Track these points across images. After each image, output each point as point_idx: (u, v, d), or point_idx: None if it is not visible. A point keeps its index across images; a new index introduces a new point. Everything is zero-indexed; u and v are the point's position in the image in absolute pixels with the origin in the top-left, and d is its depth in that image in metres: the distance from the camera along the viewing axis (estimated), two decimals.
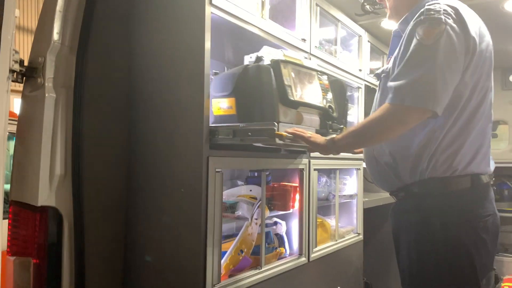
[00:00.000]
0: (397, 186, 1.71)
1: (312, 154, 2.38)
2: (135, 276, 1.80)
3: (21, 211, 1.59)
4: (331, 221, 2.74)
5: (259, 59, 1.87)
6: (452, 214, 1.58)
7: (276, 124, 1.65)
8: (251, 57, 1.90)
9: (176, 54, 1.78)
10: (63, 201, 1.62)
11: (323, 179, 2.74)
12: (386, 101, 1.55)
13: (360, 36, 3.05)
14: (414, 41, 1.54)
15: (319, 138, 1.73)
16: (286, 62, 1.84)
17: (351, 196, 3.02)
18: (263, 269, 2.00)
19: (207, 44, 1.69)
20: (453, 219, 1.58)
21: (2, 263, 1.59)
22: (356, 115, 3.10)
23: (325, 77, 2.04)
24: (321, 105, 1.95)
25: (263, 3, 2.03)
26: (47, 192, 1.58)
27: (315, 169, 2.41)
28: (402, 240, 1.71)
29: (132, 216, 1.83)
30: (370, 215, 3.15)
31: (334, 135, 1.74)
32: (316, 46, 2.44)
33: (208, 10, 1.68)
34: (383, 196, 3.20)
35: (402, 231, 1.71)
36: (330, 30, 2.81)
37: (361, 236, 3.02)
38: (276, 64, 1.79)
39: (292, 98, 1.79)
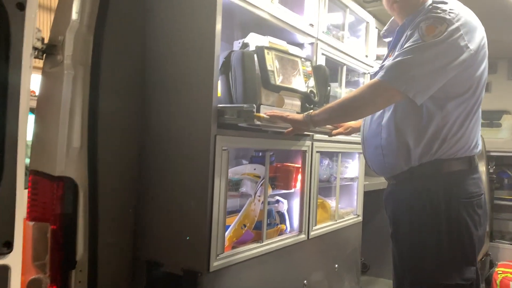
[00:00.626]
0: (401, 169, 1.80)
1: (315, 137, 2.47)
2: (145, 242, 1.92)
3: (40, 180, 1.70)
4: (332, 202, 2.84)
5: (245, 45, 2.00)
6: (454, 193, 1.69)
7: (254, 106, 1.76)
8: (239, 43, 2.01)
9: (188, 36, 1.86)
10: (79, 171, 1.73)
11: (326, 162, 2.83)
12: (377, 77, 1.70)
13: (368, 22, 3.10)
14: (416, 36, 1.64)
15: (297, 116, 1.87)
16: (270, 48, 1.96)
17: (352, 179, 3.12)
18: (264, 243, 2.11)
19: (218, 26, 1.77)
20: (455, 197, 1.69)
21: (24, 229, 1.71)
22: None
23: (308, 63, 2.17)
24: (303, 90, 2.07)
25: None
26: (64, 163, 1.69)
27: (317, 152, 2.51)
28: (402, 219, 1.80)
29: (143, 188, 1.94)
30: (371, 198, 3.25)
31: (310, 111, 1.86)
32: (323, 31, 2.51)
33: None
34: (384, 181, 3.29)
35: (402, 210, 1.80)
36: (339, 15, 2.86)
37: (360, 218, 3.13)
38: (260, 50, 1.91)
39: (274, 83, 1.91)
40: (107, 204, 1.78)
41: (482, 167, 4.13)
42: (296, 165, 2.40)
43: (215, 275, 1.81)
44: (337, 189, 2.82)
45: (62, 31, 1.69)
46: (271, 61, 1.93)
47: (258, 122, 1.78)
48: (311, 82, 2.14)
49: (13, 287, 1.27)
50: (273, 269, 2.20)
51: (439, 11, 1.63)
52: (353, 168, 3.14)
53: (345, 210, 3.04)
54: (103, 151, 1.75)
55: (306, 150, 2.41)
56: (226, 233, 1.98)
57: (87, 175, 1.73)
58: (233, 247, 2.00)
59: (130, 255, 1.93)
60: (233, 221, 2.10)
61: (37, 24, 1.61)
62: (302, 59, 2.15)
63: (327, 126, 2.13)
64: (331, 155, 2.87)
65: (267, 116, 1.81)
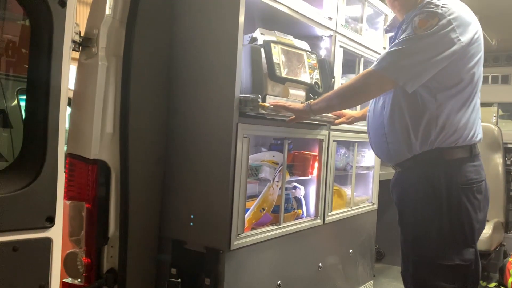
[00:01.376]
0: (406, 157, 1.90)
1: (332, 127, 2.57)
2: (170, 222, 2.06)
3: (76, 162, 1.85)
4: (348, 190, 2.93)
5: (253, 39, 2.13)
6: (455, 180, 1.80)
7: (260, 96, 1.90)
8: (248, 37, 2.15)
9: (213, 29, 1.97)
10: (111, 155, 1.87)
11: (342, 151, 2.92)
12: (372, 66, 1.82)
13: (386, 14, 3.15)
14: (409, 29, 1.76)
15: (298, 105, 2.00)
16: (276, 42, 2.10)
17: (368, 168, 3.20)
18: (281, 226, 2.24)
19: (241, 19, 1.89)
20: (456, 184, 1.79)
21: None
22: None
23: (313, 56, 2.31)
24: (308, 81, 2.21)
25: None
26: (98, 147, 1.84)
27: (334, 141, 2.60)
28: (407, 205, 1.91)
29: (170, 172, 2.08)
30: (387, 187, 3.32)
31: (311, 100, 2.00)
32: (342, 24, 2.59)
33: None
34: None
35: (407, 196, 1.91)
36: (357, 8, 2.93)
37: (375, 206, 3.22)
38: (267, 44, 2.04)
39: (279, 75, 2.05)
40: (136, 186, 1.92)
41: (499, 159, 4.16)
42: (313, 153, 2.50)
43: (235, 253, 1.94)
44: (353, 178, 2.91)
45: (97, 25, 1.83)
46: (277, 55, 2.07)
47: (262, 111, 1.91)
48: (316, 74, 2.28)
49: (54, 257, 1.42)
50: (290, 251, 2.32)
51: (432, 6, 1.75)
52: (369, 157, 3.22)
53: (361, 198, 3.13)
54: (134, 136, 1.89)
55: (323, 139, 2.51)
56: (246, 215, 2.10)
57: (119, 158, 1.87)
58: (252, 229, 2.13)
59: (157, 233, 2.07)
60: (252, 205, 2.22)
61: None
62: (308, 53, 2.29)
63: (329, 115, 2.26)
64: (347, 144, 2.96)
65: (271, 106, 1.94)
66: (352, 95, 1.89)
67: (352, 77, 2.91)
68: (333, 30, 2.52)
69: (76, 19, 1.65)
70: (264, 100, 1.96)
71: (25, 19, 2.43)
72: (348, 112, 2.41)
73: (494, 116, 5.11)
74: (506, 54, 4.44)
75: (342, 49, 2.61)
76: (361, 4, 2.89)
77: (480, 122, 1.91)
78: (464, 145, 1.82)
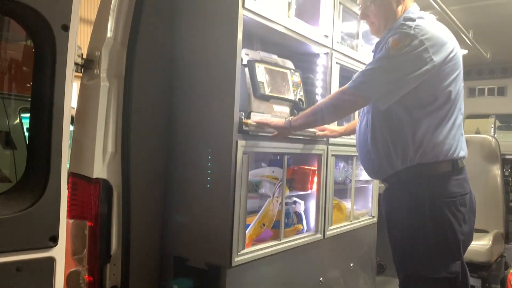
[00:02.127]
0: (389, 173, 1.97)
1: (330, 141, 2.60)
2: (172, 239, 2.09)
3: (78, 181, 1.88)
4: (347, 204, 2.96)
5: None
6: (438, 193, 1.85)
7: (243, 113, 1.97)
8: None
9: (212, 47, 2.02)
10: (113, 174, 1.90)
11: (341, 165, 2.95)
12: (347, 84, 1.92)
13: None
14: (383, 49, 1.84)
15: (280, 122, 2.07)
16: (260, 62, 2.18)
17: (367, 181, 3.22)
18: (282, 241, 2.25)
19: (239, 36, 1.93)
20: (439, 197, 1.85)
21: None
22: None
23: (297, 74, 2.39)
24: (292, 98, 2.29)
25: (289, 4, 2.24)
26: (100, 166, 1.87)
27: (332, 155, 2.64)
28: (394, 220, 1.97)
29: (170, 189, 2.10)
30: None
31: (291, 117, 2.07)
32: (337, 42, 2.64)
33: (241, 12, 1.91)
34: None
35: (394, 212, 1.97)
36: (353, 24, 2.99)
37: (375, 219, 3.23)
38: (251, 64, 2.11)
39: (263, 92, 2.12)
40: (138, 204, 1.94)
41: (497, 170, 4.19)
42: (312, 168, 2.53)
43: (236, 269, 1.96)
44: (352, 191, 2.94)
45: (99, 47, 1.87)
46: (262, 73, 2.15)
47: (246, 128, 1.97)
48: (300, 91, 2.37)
49: (57, 276, 1.43)
50: (291, 266, 2.33)
51: (405, 27, 1.83)
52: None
53: (360, 211, 3.15)
54: (135, 155, 1.92)
55: (321, 154, 2.54)
56: (247, 232, 2.12)
57: (120, 177, 1.90)
58: (253, 245, 2.15)
59: (159, 251, 2.09)
60: (253, 220, 2.24)
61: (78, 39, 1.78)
62: (291, 71, 2.38)
63: (313, 129, 2.34)
64: (346, 159, 2.98)
65: (254, 123, 2.00)
66: (328, 112, 1.97)
67: None
68: (329, 48, 2.57)
69: (78, 39, 1.69)
70: (248, 117, 2.02)
71: (28, 39, 2.49)
72: (330, 127, 2.48)
73: (492, 127, 5.16)
74: (501, 67, 4.50)
75: (338, 66, 2.65)
76: (356, 21, 2.95)
77: (462, 139, 1.96)
78: (446, 160, 1.87)
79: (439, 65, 1.80)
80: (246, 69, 2.13)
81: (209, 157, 2.00)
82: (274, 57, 2.38)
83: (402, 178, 1.93)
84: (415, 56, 1.78)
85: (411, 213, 1.89)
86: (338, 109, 1.95)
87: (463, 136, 1.98)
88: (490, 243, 3.64)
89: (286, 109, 2.32)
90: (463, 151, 1.95)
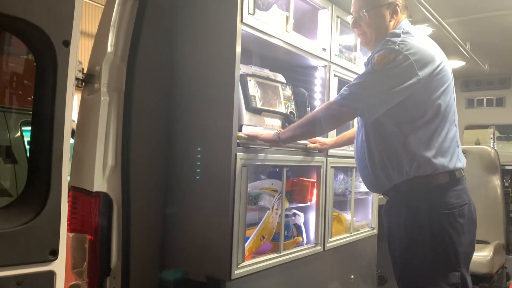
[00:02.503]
0: (388, 187, 1.99)
1: (329, 153, 2.62)
2: (171, 252, 2.09)
3: (79, 195, 1.89)
4: (347, 215, 2.96)
5: None
6: (435, 205, 1.86)
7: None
8: None
9: (211, 61, 2.05)
10: (113, 187, 1.91)
11: (340, 176, 2.96)
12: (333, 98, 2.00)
13: None
14: (369, 65, 1.90)
15: (269, 135, 2.08)
16: (252, 76, 2.22)
17: (367, 193, 3.23)
18: (281, 253, 2.26)
19: (238, 49, 1.96)
20: (437, 209, 1.86)
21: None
22: None
23: (288, 88, 2.45)
24: (283, 111, 2.34)
25: (287, 18, 2.27)
26: (100, 180, 1.88)
27: (332, 167, 2.65)
28: (393, 232, 1.98)
29: (170, 202, 2.11)
30: None
31: (280, 130, 2.11)
32: (335, 55, 2.67)
33: (239, 27, 1.94)
34: None
35: (393, 224, 1.98)
36: (350, 37, 3.02)
37: (375, 231, 3.23)
38: (243, 78, 2.14)
39: (255, 106, 2.16)
40: (138, 217, 1.95)
41: (497, 181, 4.19)
42: (312, 180, 2.54)
43: (236, 282, 1.96)
44: (352, 203, 2.94)
45: (99, 62, 1.90)
46: (253, 87, 2.19)
47: (237, 141, 1.99)
48: (291, 104, 2.42)
49: None
50: (291, 279, 2.33)
51: (390, 43, 1.88)
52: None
53: (360, 223, 3.15)
54: (135, 168, 1.93)
55: (320, 166, 2.55)
56: (246, 244, 2.13)
57: (120, 190, 1.91)
58: (253, 257, 2.15)
59: (158, 263, 2.09)
60: (253, 233, 2.24)
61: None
62: (283, 85, 2.42)
63: (304, 141, 2.36)
64: (345, 170, 2.99)
65: (245, 135, 2.02)
66: (314, 126, 2.00)
67: None
68: (327, 60, 2.60)
69: (79, 52, 1.72)
70: (240, 130, 2.05)
71: (29, 53, 2.52)
72: (321, 139, 2.49)
73: (491, 138, 5.17)
74: (499, 78, 4.53)
75: (336, 78, 2.68)
76: (354, 34, 2.97)
77: (458, 150, 1.98)
78: (443, 171, 1.89)
79: (425, 79, 1.83)
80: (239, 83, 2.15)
81: (209, 170, 2.01)
82: (266, 71, 2.43)
83: (400, 191, 1.95)
84: (399, 71, 1.82)
85: (410, 225, 1.90)
86: (325, 121, 1.97)
87: (459, 147, 2.00)
88: (491, 254, 3.63)
89: (277, 122, 2.36)
90: (460, 162, 1.96)
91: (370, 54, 2.05)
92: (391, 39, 1.90)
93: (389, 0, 2.01)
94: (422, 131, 1.88)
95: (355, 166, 2.94)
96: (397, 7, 2.01)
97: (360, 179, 3.20)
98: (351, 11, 2.11)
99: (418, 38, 1.92)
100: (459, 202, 1.90)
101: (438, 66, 1.88)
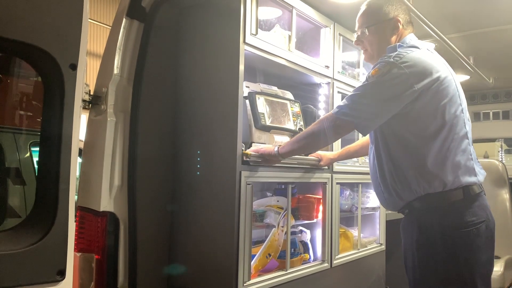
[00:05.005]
0: (401, 205, 1.96)
1: (335, 169, 2.62)
2: (178, 271, 2.09)
3: (86, 215, 1.91)
4: (354, 232, 2.94)
5: None
6: (448, 224, 1.81)
7: (243, 145, 2.02)
8: None
9: (215, 81, 2.08)
10: (120, 207, 1.94)
11: (347, 192, 2.95)
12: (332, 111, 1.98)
13: None
14: (364, 80, 1.92)
15: (269, 149, 2.08)
16: (260, 93, 2.24)
17: (374, 209, 3.21)
18: (288, 271, 2.25)
19: (241, 70, 1.99)
20: (450, 228, 1.81)
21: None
22: None
23: (297, 104, 2.46)
24: (292, 128, 2.35)
25: (290, 37, 2.31)
26: (107, 200, 1.91)
27: (337, 183, 2.65)
28: (407, 251, 1.94)
29: (176, 221, 2.13)
30: (395, 226, 3.32)
31: (279, 145, 2.09)
32: (338, 72, 2.70)
33: (242, 47, 1.98)
34: None
35: (407, 243, 1.95)
36: (353, 54, 3.05)
37: (383, 247, 3.20)
38: (251, 95, 2.17)
39: (264, 123, 2.17)
40: (144, 237, 1.97)
41: (505, 194, 4.16)
42: (317, 196, 2.54)
43: None
44: (359, 219, 2.93)
45: (106, 83, 1.94)
46: (262, 105, 2.21)
47: (247, 159, 2.00)
48: (300, 120, 2.43)
49: None
50: None
51: (385, 57, 1.89)
52: (374, 198, 3.23)
53: (368, 239, 3.13)
54: (141, 188, 1.96)
55: (326, 182, 2.56)
56: (252, 262, 2.12)
57: (127, 210, 1.93)
58: (259, 275, 2.14)
59: (165, 282, 2.10)
60: (258, 251, 2.24)
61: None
62: (291, 102, 2.44)
63: (313, 157, 2.38)
64: (352, 186, 2.99)
65: (254, 153, 2.03)
66: (312, 139, 2.00)
67: None
68: (330, 77, 2.62)
69: (86, 74, 1.75)
70: (250, 147, 2.07)
71: (38, 75, 2.57)
72: (325, 154, 2.48)
73: (499, 151, 5.14)
74: (505, 91, 4.53)
75: (340, 95, 2.70)
76: (357, 51, 3.01)
77: (471, 164, 1.90)
78: (455, 188, 1.83)
79: (422, 91, 1.80)
80: (247, 101, 2.18)
81: (214, 188, 2.03)
82: (274, 89, 2.45)
83: (414, 208, 1.90)
84: (394, 83, 1.81)
85: (422, 245, 1.85)
86: (322, 135, 1.96)
87: (473, 161, 1.91)
88: (502, 269, 3.58)
89: (286, 139, 2.36)
90: (474, 177, 1.88)
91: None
92: (388, 54, 1.91)
93: (389, 16, 2.02)
94: (427, 146, 1.84)
95: (361, 182, 2.97)
96: (398, 23, 2.02)
97: (367, 194, 3.23)
98: (355, 29, 2.14)
99: (419, 51, 1.91)
100: (474, 220, 1.81)
101: (439, 78, 1.85)
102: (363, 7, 2.09)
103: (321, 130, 1.95)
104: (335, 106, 2.61)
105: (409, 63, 1.83)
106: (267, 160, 2.07)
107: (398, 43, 1.97)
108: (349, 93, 1.98)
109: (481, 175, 1.94)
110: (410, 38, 2.04)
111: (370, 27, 2.04)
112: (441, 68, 1.90)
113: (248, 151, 2.03)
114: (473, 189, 1.86)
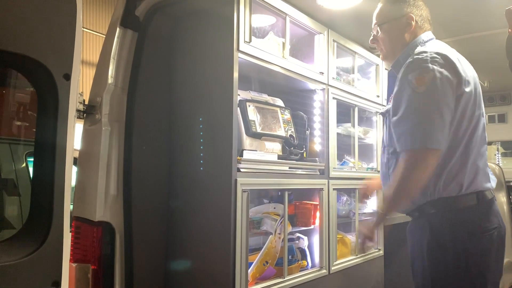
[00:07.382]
0: (411, 208, 1.91)
1: (331, 175, 2.62)
2: (174, 280, 2.08)
3: (82, 225, 1.90)
4: (352, 237, 2.94)
5: None
6: (460, 229, 1.77)
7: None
8: None
9: (209, 88, 2.09)
10: (115, 217, 1.93)
11: (344, 198, 2.95)
12: (398, 149, 1.81)
13: (377, 65, 3.27)
14: (408, 90, 1.76)
15: (371, 224, 1.98)
16: (251, 101, 2.25)
17: (371, 214, 3.20)
18: (285, 278, 2.24)
19: (235, 77, 1.99)
20: (462, 233, 1.76)
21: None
22: (375, 137, 3.31)
23: (287, 111, 2.48)
24: (283, 134, 2.36)
25: (284, 44, 2.32)
26: (103, 210, 1.90)
27: (334, 189, 2.65)
28: (416, 255, 1.90)
29: (172, 230, 2.12)
30: (394, 231, 3.32)
31: (378, 210, 2.04)
32: (333, 78, 2.70)
33: (236, 55, 1.98)
34: (402, 215, 3.36)
35: (416, 245, 1.90)
36: (348, 60, 3.06)
37: (381, 252, 3.19)
38: (242, 103, 2.18)
39: (255, 130, 2.18)
40: (141, 246, 1.96)
41: (503, 198, 4.16)
42: (314, 203, 2.54)
43: None
44: (356, 224, 2.92)
45: (100, 93, 1.94)
46: (253, 112, 2.22)
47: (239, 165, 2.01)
48: (291, 127, 2.44)
49: None
50: None
51: (421, 61, 1.77)
52: (372, 203, 3.23)
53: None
54: (137, 197, 1.95)
55: (322, 188, 2.56)
56: (249, 270, 2.11)
57: (123, 220, 1.93)
58: (256, 283, 2.13)
59: None
60: (256, 258, 2.23)
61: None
62: (281, 109, 2.45)
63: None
64: (349, 192, 2.99)
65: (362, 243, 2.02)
66: (407, 185, 1.77)
67: (348, 125, 3.01)
68: (325, 84, 2.63)
69: (80, 81, 1.75)
70: (241, 155, 2.07)
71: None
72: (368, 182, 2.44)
73: (496, 154, 5.15)
74: (500, 94, 4.55)
75: (335, 100, 2.70)
76: (351, 57, 3.02)
77: (487, 169, 1.86)
78: (469, 192, 1.78)
79: (459, 86, 1.75)
80: (238, 109, 2.17)
81: (210, 196, 2.02)
82: (265, 96, 2.47)
83: (424, 212, 1.86)
84: (443, 84, 1.72)
85: (432, 249, 1.81)
86: (413, 177, 1.74)
87: (487, 166, 1.87)
88: None
89: (278, 146, 2.38)
90: (488, 182, 1.84)
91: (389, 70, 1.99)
92: (421, 56, 1.79)
93: (401, 12, 1.97)
94: (453, 149, 1.77)
95: (358, 187, 2.96)
96: (411, 20, 1.95)
97: (365, 200, 3.22)
98: (372, 26, 2.08)
99: (441, 46, 1.86)
100: (488, 226, 1.77)
101: (468, 77, 1.80)
102: (378, 6, 2.05)
103: (410, 174, 1.74)
104: (330, 112, 2.63)
105: (447, 65, 1.75)
106: (379, 223, 1.96)
107: (416, 40, 1.91)
108: (402, 117, 1.78)
109: (493, 181, 1.90)
110: (427, 35, 1.97)
111: (383, 25, 2.00)
112: (469, 65, 1.86)
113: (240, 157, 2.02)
114: (486, 195, 1.82)
